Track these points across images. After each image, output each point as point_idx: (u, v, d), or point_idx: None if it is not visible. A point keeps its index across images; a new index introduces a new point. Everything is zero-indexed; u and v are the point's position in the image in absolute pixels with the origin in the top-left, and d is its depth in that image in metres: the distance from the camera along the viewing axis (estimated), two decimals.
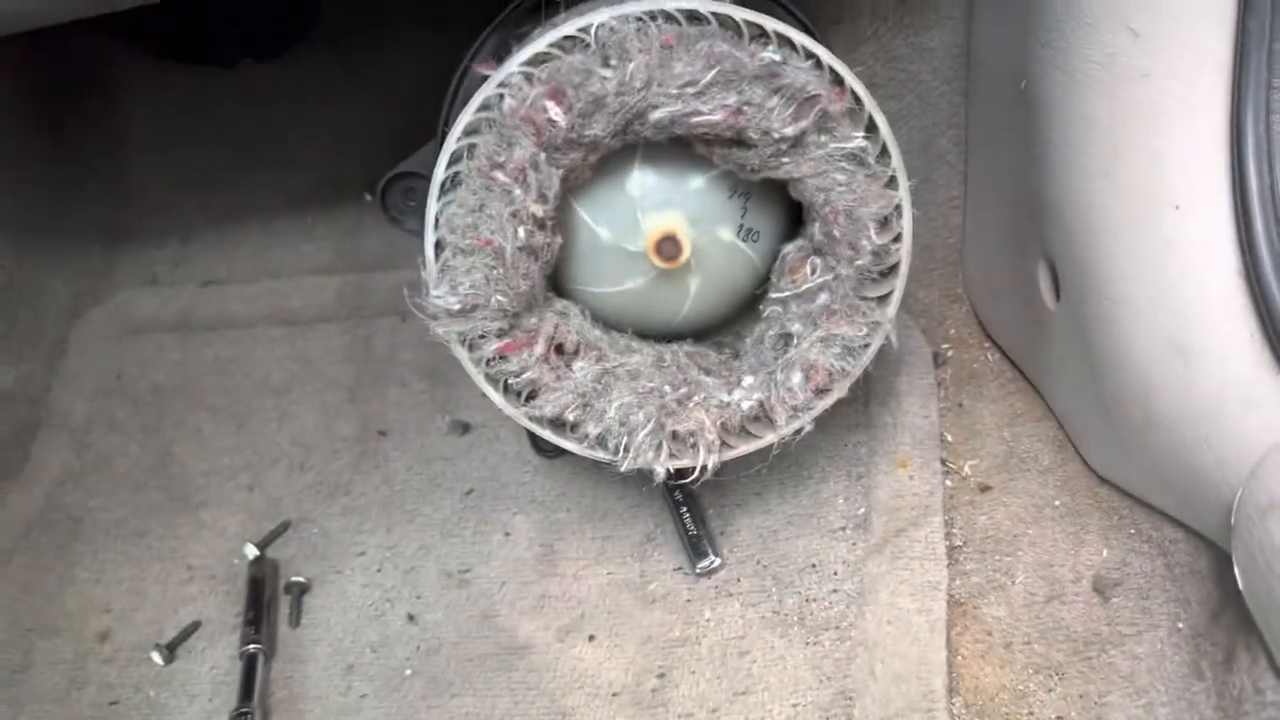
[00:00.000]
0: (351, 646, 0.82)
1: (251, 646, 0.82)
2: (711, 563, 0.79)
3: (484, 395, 0.70)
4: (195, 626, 0.87)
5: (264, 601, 0.86)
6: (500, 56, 0.76)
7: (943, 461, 0.80)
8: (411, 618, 0.82)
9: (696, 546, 0.79)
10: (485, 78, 0.75)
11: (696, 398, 0.69)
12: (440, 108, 0.82)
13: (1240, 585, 0.54)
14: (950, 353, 0.89)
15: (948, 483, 0.79)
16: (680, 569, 0.80)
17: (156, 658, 0.84)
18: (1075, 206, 0.67)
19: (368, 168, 1.11)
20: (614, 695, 0.73)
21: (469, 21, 1.05)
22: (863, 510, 0.78)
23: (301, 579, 0.87)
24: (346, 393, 1.01)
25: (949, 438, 0.82)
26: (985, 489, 0.77)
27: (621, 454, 0.70)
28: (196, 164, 1.14)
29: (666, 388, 0.70)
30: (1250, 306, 0.57)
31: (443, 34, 1.08)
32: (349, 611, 0.84)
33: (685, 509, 0.81)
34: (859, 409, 0.85)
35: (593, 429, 0.70)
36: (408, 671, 0.79)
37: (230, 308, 1.10)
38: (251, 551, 0.90)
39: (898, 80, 0.87)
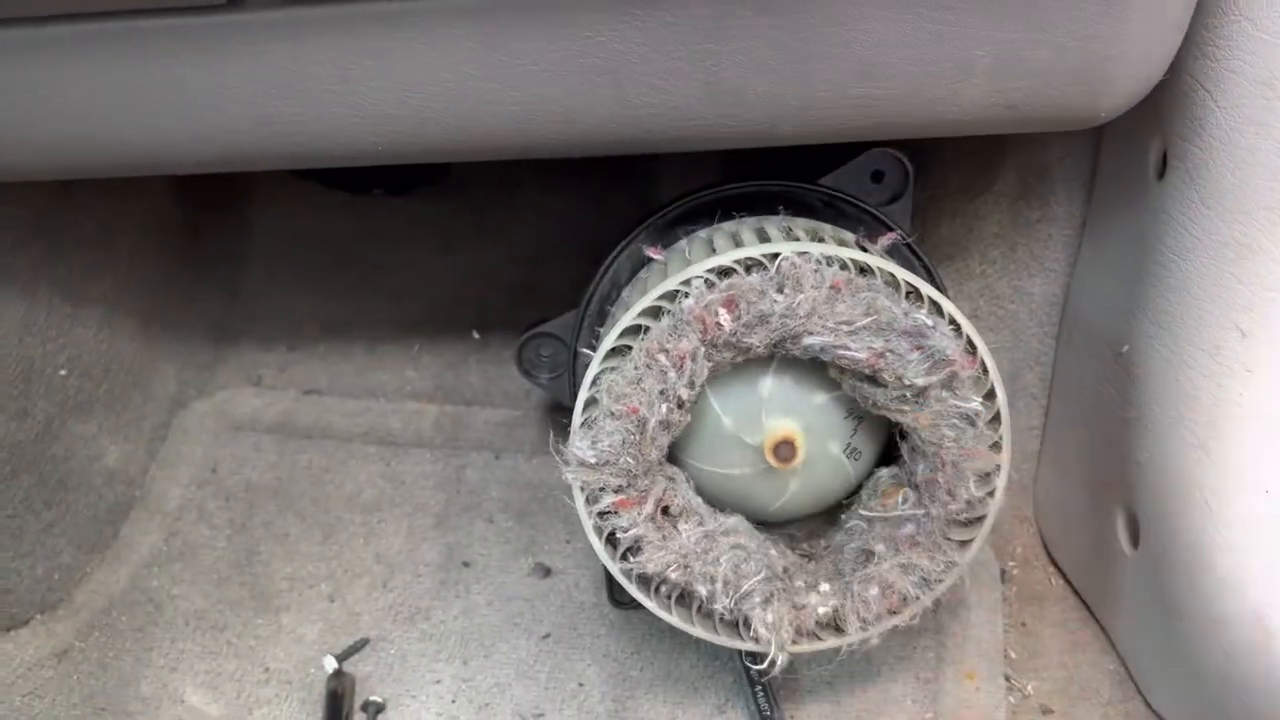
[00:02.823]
0: None
1: None
2: None
3: (570, 542, 0.76)
4: None
5: (341, 716, 0.89)
6: (664, 243, 0.84)
7: (1006, 678, 0.85)
8: None
9: None
10: (649, 260, 0.83)
11: (779, 585, 0.75)
12: (588, 278, 0.89)
13: None
14: (1015, 571, 0.95)
15: (1010, 699, 0.84)
16: None
17: None
18: (1168, 472, 0.74)
19: (478, 309, 1.19)
20: None
21: (597, 196, 1.15)
22: (930, 715, 0.83)
23: (378, 699, 0.91)
24: (434, 519, 1.06)
25: (1012, 654, 0.88)
26: (1047, 711, 0.82)
27: (727, 612, 0.75)
28: (313, 279, 1.21)
29: (772, 553, 0.76)
30: None
31: (565, 202, 1.18)
32: None
33: (760, 688, 0.86)
34: (929, 614, 0.90)
35: (702, 590, 0.75)
36: None
37: (329, 419, 1.16)
38: (331, 664, 0.94)
39: (996, 315, 0.95)
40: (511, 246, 1.19)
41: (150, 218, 1.13)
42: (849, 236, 0.81)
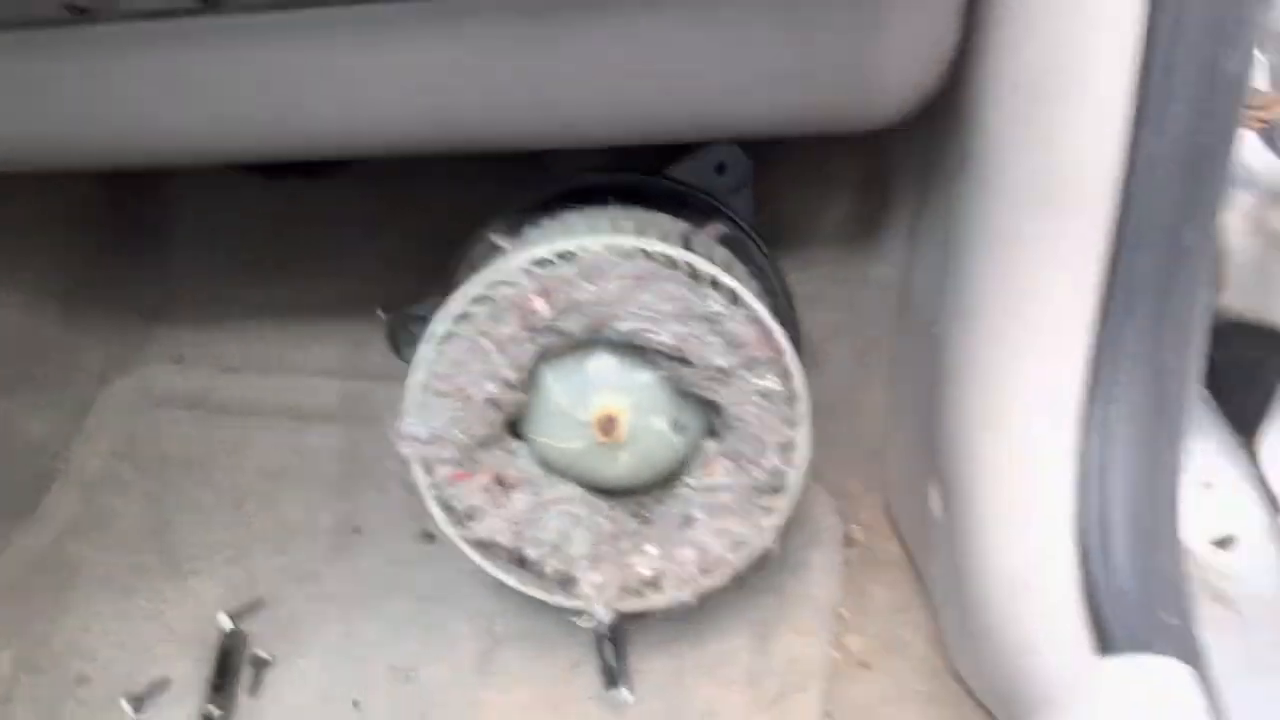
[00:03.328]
0: None
1: (213, 711, 0.93)
2: (623, 695, 0.90)
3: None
4: (165, 683, 0.98)
5: (229, 671, 0.97)
6: (514, 233, 0.91)
7: (834, 635, 0.92)
8: (356, 705, 0.94)
9: (612, 678, 0.91)
10: (499, 248, 0.89)
11: (606, 548, 0.82)
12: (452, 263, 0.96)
13: None
14: (860, 537, 1.01)
15: (834, 654, 0.91)
16: (593, 698, 0.91)
17: (126, 707, 0.95)
18: (960, 443, 0.80)
19: (387, 290, 1.25)
20: None
21: (506, 178, 1.21)
22: (760, 669, 0.90)
23: (265, 655, 0.98)
24: (332, 488, 1.14)
25: (844, 614, 0.94)
26: (864, 666, 0.89)
27: (558, 574, 0.83)
28: (232, 261, 1.27)
29: (600, 518, 0.83)
30: (1076, 557, 0.70)
31: (473, 185, 1.23)
32: (303, 690, 0.95)
33: (610, 641, 0.93)
34: (774, 575, 0.97)
35: (531, 552, 0.83)
36: None
37: (243, 394, 1.23)
38: (226, 623, 1.01)
39: (841, 298, 1.02)
40: (421, 229, 1.25)
41: (77, 201, 1.20)
42: (683, 227, 0.87)
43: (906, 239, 0.97)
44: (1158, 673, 0.62)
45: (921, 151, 0.94)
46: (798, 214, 1.02)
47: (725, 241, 0.90)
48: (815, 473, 1.04)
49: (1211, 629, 0.77)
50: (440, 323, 0.78)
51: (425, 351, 0.79)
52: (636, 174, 0.92)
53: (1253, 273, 0.79)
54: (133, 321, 1.26)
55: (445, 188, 1.25)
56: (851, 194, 0.99)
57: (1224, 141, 0.66)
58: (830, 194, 1.00)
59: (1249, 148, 0.82)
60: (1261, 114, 0.73)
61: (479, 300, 0.78)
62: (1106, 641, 0.65)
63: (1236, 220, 0.79)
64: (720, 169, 0.93)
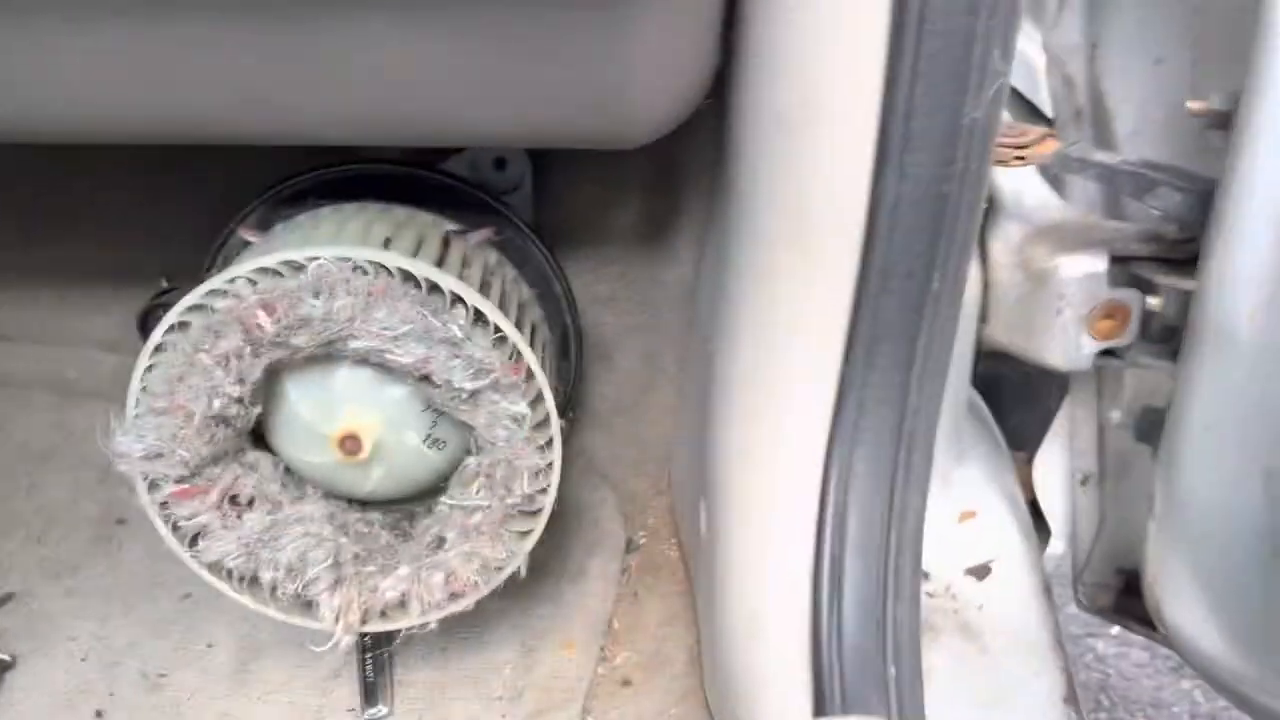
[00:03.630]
0: None
1: None
2: (379, 712, 0.87)
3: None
4: None
5: None
6: (265, 226, 0.85)
7: (602, 649, 0.91)
8: (99, 715, 0.89)
9: (370, 693, 0.88)
10: (248, 243, 0.84)
11: (350, 570, 0.78)
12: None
13: None
14: (644, 541, 1.00)
15: (600, 670, 0.89)
16: (353, 710, 0.88)
17: None
18: (721, 468, 0.79)
19: (170, 258, 1.17)
20: None
21: (281, 152, 1.14)
22: (522, 684, 0.88)
23: (6, 656, 0.93)
24: (99, 473, 1.07)
25: (616, 625, 0.93)
26: (627, 683, 0.88)
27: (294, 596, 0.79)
28: (8, 222, 1.18)
29: (343, 539, 0.79)
30: (809, 601, 0.69)
31: (261, 150, 1.16)
32: (44, 698, 0.90)
33: (369, 654, 0.90)
34: (551, 583, 0.95)
35: (266, 575, 0.78)
36: None
37: (10, 365, 1.14)
38: None
39: (634, 300, 0.98)
40: (206, 194, 1.17)
41: None
42: (446, 229, 0.82)
43: (697, 245, 0.94)
44: None
45: (710, 160, 0.90)
46: (588, 213, 0.98)
47: (499, 244, 0.85)
48: (602, 474, 1.03)
49: (953, 663, 0.77)
50: (157, 334, 0.72)
51: (141, 364, 0.73)
52: (408, 166, 0.87)
53: (1016, 307, 0.78)
54: None
55: (224, 155, 1.17)
56: (643, 195, 0.95)
57: (970, 189, 0.64)
58: (621, 194, 0.96)
59: (1025, 179, 0.81)
60: (1025, 151, 0.71)
61: (196, 310, 0.72)
62: (821, 699, 0.64)
63: (1002, 253, 0.78)
64: (500, 164, 0.89)
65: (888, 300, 0.67)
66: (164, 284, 1.18)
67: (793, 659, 0.67)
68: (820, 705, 0.64)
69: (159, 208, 1.18)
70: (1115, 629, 1.52)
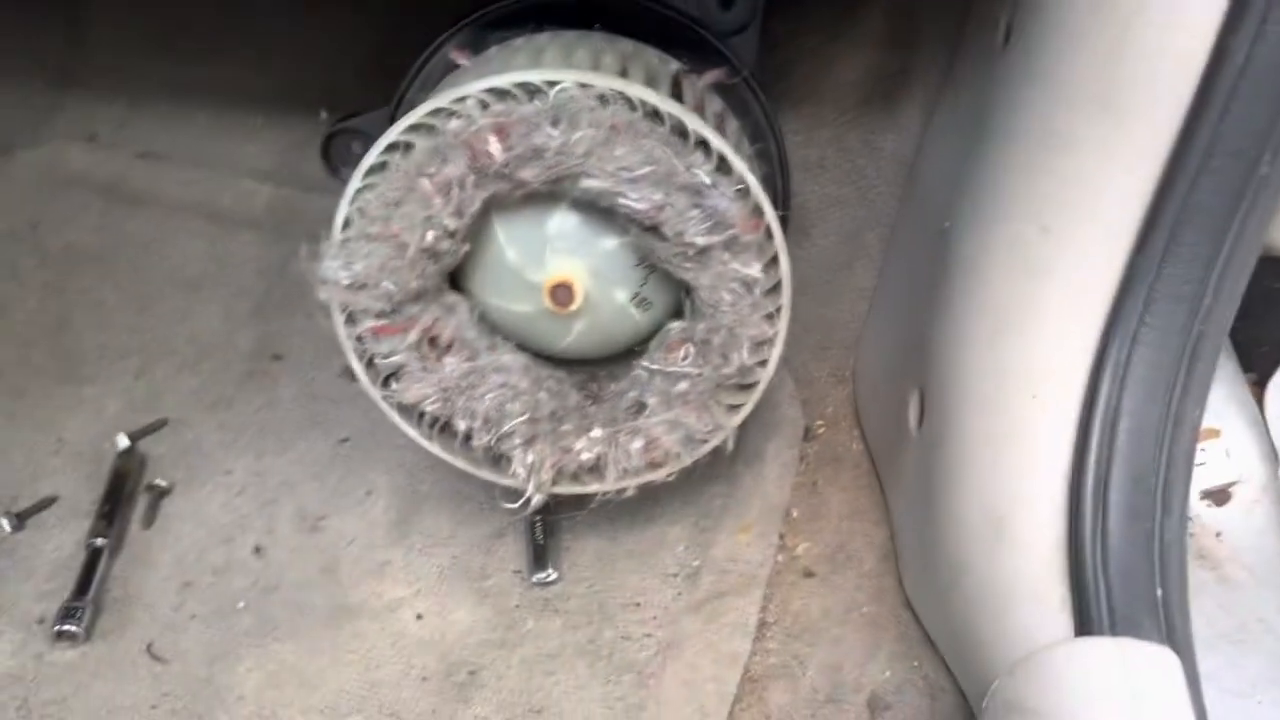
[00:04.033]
0: (194, 564, 0.85)
1: (99, 540, 0.85)
2: (548, 575, 0.83)
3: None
4: (51, 501, 0.90)
5: (122, 496, 0.89)
6: (476, 48, 0.77)
7: (781, 536, 0.86)
8: (258, 550, 0.86)
9: (538, 556, 0.84)
10: (456, 65, 0.77)
11: (546, 427, 0.73)
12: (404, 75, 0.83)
13: None
14: (822, 430, 0.94)
15: (778, 558, 0.84)
16: (519, 572, 0.85)
17: (4, 523, 0.87)
18: (955, 360, 0.72)
19: (329, 88, 1.11)
20: (423, 679, 0.78)
21: None
22: (697, 563, 0.84)
23: (163, 483, 0.90)
24: (253, 306, 1.03)
25: (794, 514, 0.88)
26: (809, 574, 0.83)
27: (487, 449, 0.74)
28: (160, 34, 1.12)
29: (540, 394, 0.74)
30: (1065, 509, 0.63)
31: None
32: (201, 528, 0.88)
33: (539, 516, 0.86)
34: (726, 464, 0.89)
35: (461, 424, 0.74)
36: (241, 604, 0.83)
37: (162, 186, 1.10)
38: (123, 442, 0.92)
39: (844, 169, 0.90)
40: (372, 20, 1.10)
41: None
42: (674, 68, 0.75)
43: (925, 112, 0.85)
44: (1140, 661, 0.55)
45: (958, 17, 0.81)
46: (808, 66, 0.89)
47: (722, 91, 0.78)
48: (783, 356, 0.96)
49: (1191, 592, 0.71)
50: (374, 153, 0.66)
51: (354, 184, 0.67)
52: None
53: None
54: (38, 87, 1.11)
55: None
56: (872, 51, 0.86)
57: None
58: (848, 48, 0.87)
59: None
60: None
61: (421, 130, 0.65)
62: (1085, 616, 0.58)
63: None
64: (726, 2, 0.80)
65: (1206, 181, 0.59)
66: (323, 114, 1.12)
67: (1049, 571, 0.61)
68: (1085, 625, 0.59)
69: (320, 32, 1.11)
70: None
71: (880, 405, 0.88)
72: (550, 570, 0.84)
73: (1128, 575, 0.60)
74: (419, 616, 0.82)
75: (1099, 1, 0.59)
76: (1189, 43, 0.56)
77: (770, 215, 0.66)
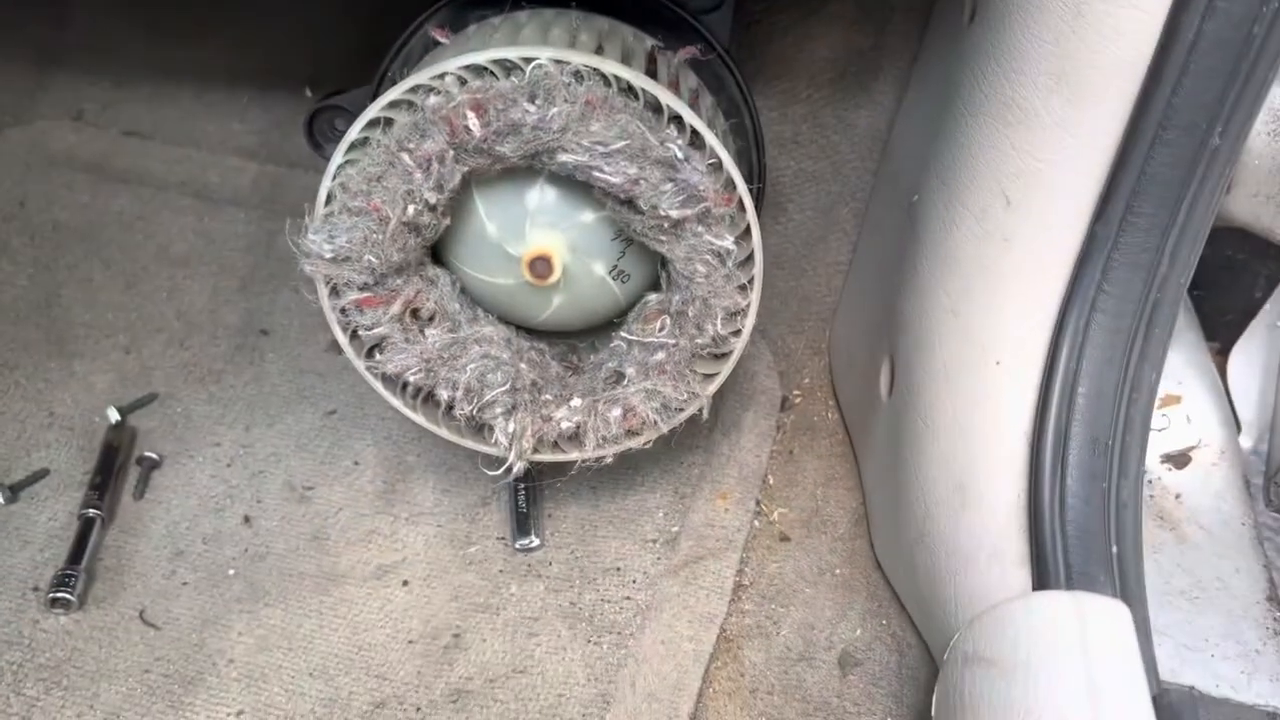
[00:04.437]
0: (185, 533, 0.87)
1: (91, 511, 0.86)
2: (531, 542, 0.86)
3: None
4: (43, 474, 0.91)
5: (114, 468, 0.91)
6: (456, 26, 0.79)
7: (757, 502, 0.88)
8: (247, 520, 0.88)
9: (521, 523, 0.86)
10: (436, 43, 0.78)
11: (527, 397, 0.75)
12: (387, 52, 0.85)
13: (933, 714, 0.63)
14: (798, 400, 0.96)
15: (755, 523, 0.87)
16: (503, 539, 0.87)
17: None
18: (922, 327, 0.74)
19: (314, 66, 1.13)
20: (410, 642, 0.80)
21: None
22: (676, 529, 0.86)
23: (154, 455, 0.92)
24: (240, 282, 1.05)
25: (771, 480, 0.90)
26: (784, 539, 0.85)
27: (469, 419, 0.76)
28: (145, 14, 1.13)
29: (521, 365, 0.76)
30: (1025, 471, 0.65)
31: None
32: (191, 498, 0.90)
33: (522, 484, 0.88)
34: (704, 433, 0.92)
35: (444, 394, 0.76)
36: (231, 571, 0.85)
37: (147, 164, 1.11)
38: (114, 415, 0.94)
39: (818, 144, 0.92)
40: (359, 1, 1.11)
41: None
42: (649, 45, 0.76)
43: (897, 88, 0.87)
44: (1093, 614, 0.58)
45: None
46: (782, 43, 0.91)
47: (696, 67, 0.79)
48: (760, 329, 0.99)
49: (1148, 549, 0.73)
50: (355, 129, 0.67)
51: (336, 160, 0.69)
52: None
53: (1269, 179, 0.71)
54: (24, 69, 1.12)
55: None
56: (845, 28, 0.88)
57: (1278, 36, 0.57)
58: (821, 25, 0.88)
59: None
60: None
61: (401, 107, 0.67)
62: (1042, 571, 0.61)
63: (1263, 118, 0.71)
64: None
65: (1160, 153, 0.61)
66: (307, 92, 1.13)
67: (1009, 530, 0.64)
68: (1042, 579, 0.61)
69: (303, 11, 1.12)
70: None
71: (854, 375, 0.91)
72: (533, 537, 0.86)
73: (1084, 533, 0.62)
74: (405, 583, 0.84)
75: None
76: (1141, 20, 0.58)
77: (742, 189, 0.68)
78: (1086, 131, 0.62)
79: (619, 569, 0.84)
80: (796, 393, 0.97)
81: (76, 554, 0.84)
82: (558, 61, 0.65)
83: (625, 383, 0.76)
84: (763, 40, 0.91)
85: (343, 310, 0.73)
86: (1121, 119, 0.61)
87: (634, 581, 0.83)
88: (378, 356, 0.75)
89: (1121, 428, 0.65)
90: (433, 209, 0.69)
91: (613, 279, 0.75)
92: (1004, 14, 0.65)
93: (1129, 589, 0.61)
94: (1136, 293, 0.64)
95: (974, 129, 0.69)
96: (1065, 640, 0.57)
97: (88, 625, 0.81)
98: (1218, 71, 0.58)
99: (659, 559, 0.84)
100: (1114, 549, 0.62)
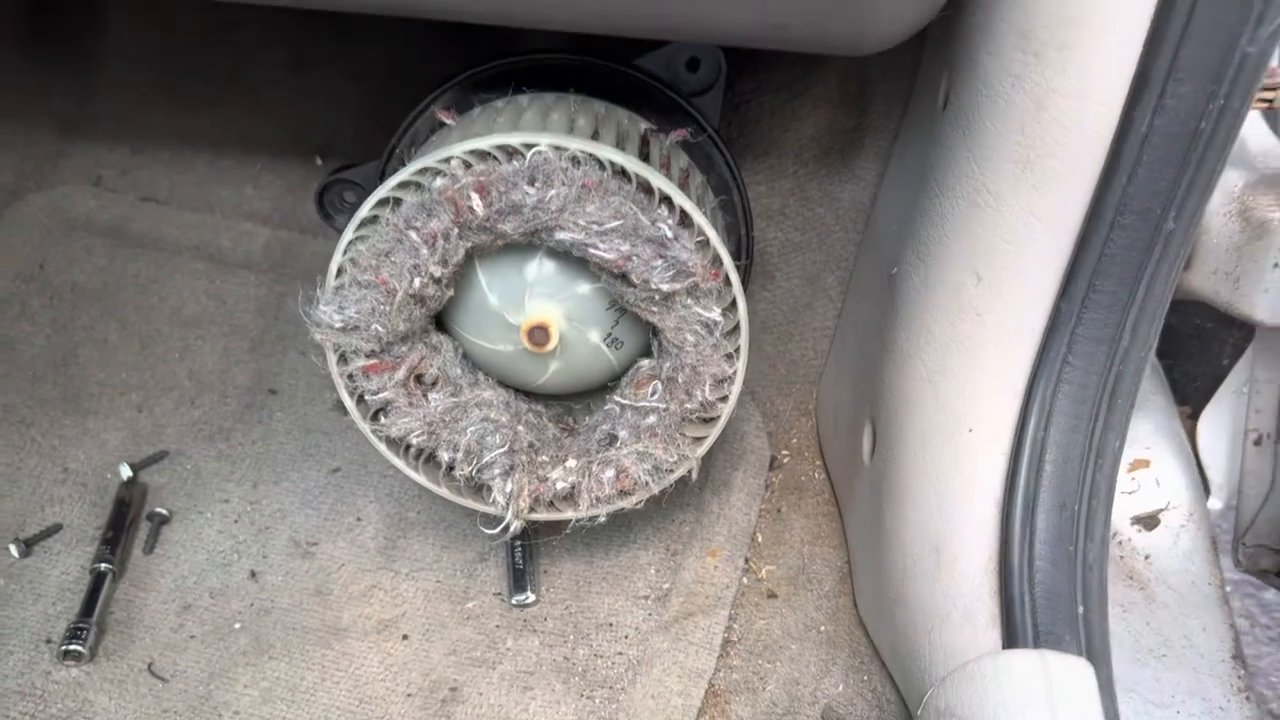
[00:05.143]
0: (193, 587, 0.90)
1: (103, 565, 0.90)
2: (526, 598, 0.89)
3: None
4: (56, 529, 0.94)
5: (125, 523, 0.94)
6: (461, 108, 0.84)
7: (746, 560, 0.91)
8: (253, 575, 0.91)
9: (518, 579, 0.90)
10: (442, 124, 0.83)
11: (524, 458, 0.79)
12: (395, 128, 0.89)
13: None
14: (786, 460, 1.00)
15: (744, 580, 0.90)
16: (499, 594, 0.90)
17: (13, 549, 0.92)
18: (901, 393, 0.78)
19: (326, 134, 1.18)
20: (409, 695, 0.83)
21: (455, 27, 1.12)
22: (667, 585, 0.89)
23: (164, 511, 0.95)
24: (250, 343, 1.09)
25: (759, 538, 0.93)
26: (772, 596, 0.88)
27: (469, 479, 0.80)
28: (164, 84, 1.18)
29: (519, 427, 0.80)
30: (996, 534, 0.69)
31: (423, 30, 1.14)
32: (199, 553, 0.93)
33: (519, 541, 0.91)
34: (695, 492, 0.95)
35: (445, 455, 0.80)
36: (237, 625, 0.88)
37: (163, 228, 1.16)
38: (126, 472, 0.98)
39: (804, 216, 0.97)
40: (366, 71, 1.16)
41: None
42: (644, 127, 0.81)
43: (879, 165, 0.91)
44: (1059, 672, 0.61)
45: (907, 78, 0.88)
46: (770, 123, 0.96)
47: (688, 147, 0.84)
48: (750, 391, 1.03)
49: (1119, 610, 0.77)
50: (365, 208, 0.72)
51: (347, 236, 0.73)
52: (602, 60, 0.85)
53: (1226, 256, 0.75)
54: (46, 135, 1.17)
55: (384, 26, 1.16)
56: (829, 109, 0.93)
57: (1225, 128, 0.62)
58: (807, 106, 0.93)
59: (1250, 125, 0.78)
60: (1274, 94, 0.68)
61: (409, 187, 0.72)
62: (1011, 631, 0.64)
63: (1219, 199, 0.75)
64: (693, 65, 0.87)
65: (1119, 236, 0.65)
66: (319, 160, 1.18)
67: (981, 591, 0.67)
68: (1011, 638, 0.64)
69: (315, 83, 1.18)
70: None
71: (839, 437, 0.94)
72: (529, 593, 0.89)
73: (1051, 594, 0.66)
74: (405, 637, 0.87)
75: (1019, 74, 0.65)
76: (1098, 113, 0.62)
77: (728, 264, 0.73)
78: (1050, 215, 0.66)
79: (612, 624, 0.87)
80: (785, 453, 1.00)
81: (88, 607, 0.87)
82: (556, 147, 0.70)
83: (618, 445, 0.80)
84: (752, 120, 0.96)
85: (350, 376, 0.77)
86: (1082, 204, 0.65)
87: (626, 637, 0.86)
88: (382, 420, 0.78)
89: (1088, 492, 0.69)
90: (437, 281, 0.73)
91: (607, 346, 0.79)
92: (974, 104, 0.70)
93: (1094, 648, 0.64)
94: (1100, 364, 0.68)
95: (947, 209, 0.74)
96: (1032, 698, 0.60)
97: (98, 677, 0.84)
98: (1169, 161, 0.63)
99: (650, 615, 0.87)
100: (1080, 609, 0.66)
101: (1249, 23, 0.58)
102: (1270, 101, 0.68)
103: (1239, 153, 0.77)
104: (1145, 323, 0.68)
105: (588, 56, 0.85)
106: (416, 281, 0.72)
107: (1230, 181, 0.75)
